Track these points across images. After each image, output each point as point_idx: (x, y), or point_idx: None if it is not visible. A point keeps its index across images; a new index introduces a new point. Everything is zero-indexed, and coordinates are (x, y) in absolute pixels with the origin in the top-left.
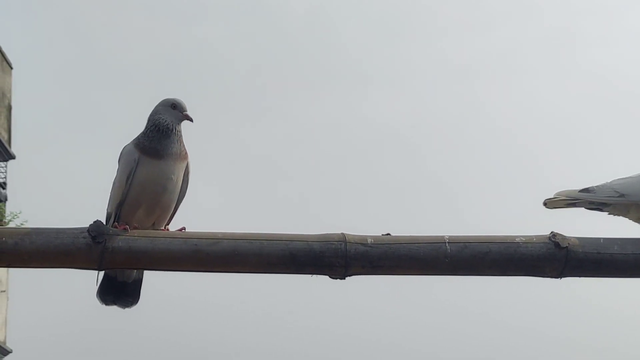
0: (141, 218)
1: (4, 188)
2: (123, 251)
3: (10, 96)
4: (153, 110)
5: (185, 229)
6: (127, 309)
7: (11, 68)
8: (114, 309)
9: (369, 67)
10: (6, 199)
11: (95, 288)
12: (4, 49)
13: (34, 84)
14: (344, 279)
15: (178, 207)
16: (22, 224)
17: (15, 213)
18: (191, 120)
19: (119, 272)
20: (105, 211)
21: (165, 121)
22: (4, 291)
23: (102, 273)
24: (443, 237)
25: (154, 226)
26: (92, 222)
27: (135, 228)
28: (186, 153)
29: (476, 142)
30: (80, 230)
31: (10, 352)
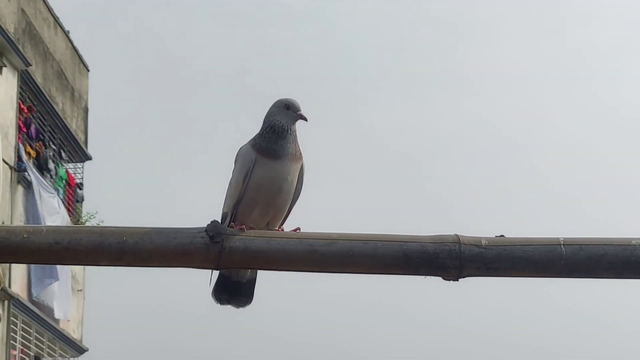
0: (256, 218)
1: (80, 189)
2: (240, 251)
3: (87, 98)
4: (268, 112)
5: (300, 230)
6: (240, 309)
7: (88, 70)
8: (228, 308)
9: (445, 68)
10: (83, 200)
11: (210, 287)
12: (81, 52)
13: (109, 86)
14: (457, 280)
15: (292, 207)
16: (98, 224)
17: (91, 213)
18: (305, 119)
19: (233, 271)
20: (221, 211)
21: (280, 122)
22: (80, 290)
23: (215, 273)
24: (558, 238)
25: (268, 226)
26: (209, 222)
27: (251, 228)
28: (301, 154)
29: (586, 143)
30: (198, 230)
31: (87, 351)
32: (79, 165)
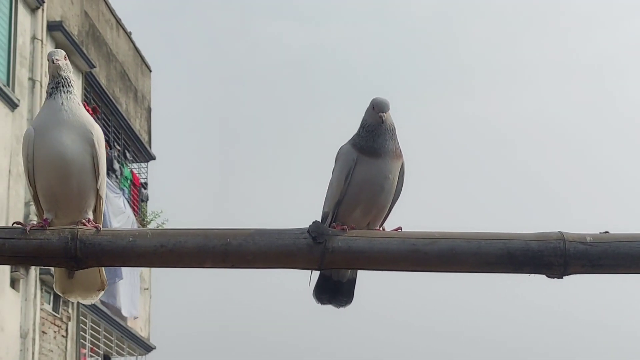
0: (358, 218)
1: (145, 188)
2: (343, 251)
3: (150, 98)
4: (365, 111)
5: (401, 229)
6: (341, 308)
7: (150, 71)
8: (329, 307)
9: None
10: (147, 199)
11: (310, 287)
12: (143, 53)
13: (171, 86)
14: (562, 278)
15: (393, 206)
16: (162, 224)
17: (156, 212)
18: (381, 121)
19: (334, 271)
20: (322, 210)
21: (367, 121)
22: (147, 289)
23: (315, 273)
24: None
25: (368, 226)
26: (312, 223)
27: (353, 228)
28: (401, 152)
29: None
30: (301, 231)
31: (154, 349)
32: (143, 165)
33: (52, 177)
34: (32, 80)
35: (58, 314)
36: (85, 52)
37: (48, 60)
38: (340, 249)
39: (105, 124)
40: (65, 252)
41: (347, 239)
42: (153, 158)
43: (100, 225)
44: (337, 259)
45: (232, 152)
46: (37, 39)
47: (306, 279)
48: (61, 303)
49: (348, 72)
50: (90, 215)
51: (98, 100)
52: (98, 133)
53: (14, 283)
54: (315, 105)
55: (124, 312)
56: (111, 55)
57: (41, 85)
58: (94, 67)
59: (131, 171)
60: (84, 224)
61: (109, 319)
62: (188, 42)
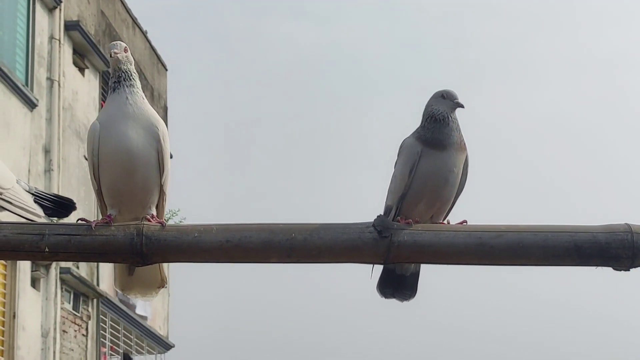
0: (422, 211)
1: None
2: (408, 245)
3: (166, 97)
4: (426, 104)
5: (467, 222)
6: (405, 302)
7: (166, 70)
8: (393, 301)
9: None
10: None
11: (371, 281)
12: (159, 52)
13: (187, 84)
14: (629, 270)
15: (457, 199)
16: (180, 221)
17: (174, 211)
18: (462, 106)
19: (397, 265)
20: (384, 204)
21: (439, 110)
22: (165, 287)
23: (377, 266)
24: None
25: (432, 219)
26: (376, 217)
27: (417, 222)
28: (465, 143)
29: None
30: (366, 225)
31: (173, 347)
32: None
33: (117, 171)
34: (50, 79)
35: (78, 313)
36: (102, 51)
37: (107, 53)
38: (406, 243)
39: None
40: (131, 248)
41: (412, 232)
42: (171, 156)
43: (165, 221)
44: (402, 253)
45: (246, 150)
46: (55, 38)
47: (359, 274)
48: (81, 302)
49: (360, 70)
50: (154, 211)
51: None
52: (163, 127)
53: (34, 282)
54: (329, 103)
55: (139, 310)
56: None
57: (59, 85)
58: None
59: None
60: (149, 220)
61: (129, 318)
62: (202, 41)
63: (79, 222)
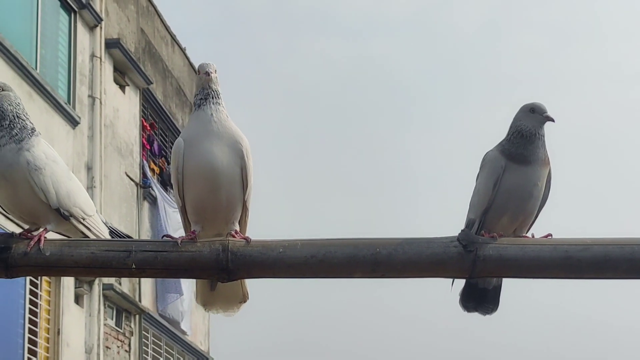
0: (505, 225)
1: None
2: (494, 259)
3: None
4: (514, 117)
5: (551, 236)
6: (487, 316)
7: None
8: (475, 315)
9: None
10: None
11: (451, 294)
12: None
13: (228, 101)
14: None
15: (539, 213)
16: None
17: None
18: (552, 120)
19: (480, 279)
20: (466, 217)
21: (527, 126)
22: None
23: (458, 280)
24: None
25: (514, 233)
26: (460, 231)
27: (501, 236)
28: (548, 158)
29: None
30: (450, 239)
31: None
32: None
33: (201, 188)
34: (91, 97)
35: (121, 329)
36: (142, 68)
37: (200, 72)
38: (491, 257)
39: (162, 139)
40: (217, 264)
41: (497, 246)
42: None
43: (250, 237)
44: (488, 267)
45: (281, 166)
46: (96, 56)
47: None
48: (123, 318)
49: (394, 85)
50: (237, 227)
51: (155, 117)
52: (247, 145)
53: (78, 299)
54: (362, 117)
55: (183, 327)
56: (167, 71)
57: (100, 103)
58: (151, 83)
59: None
60: (233, 236)
61: (170, 334)
62: (238, 58)
63: (164, 238)
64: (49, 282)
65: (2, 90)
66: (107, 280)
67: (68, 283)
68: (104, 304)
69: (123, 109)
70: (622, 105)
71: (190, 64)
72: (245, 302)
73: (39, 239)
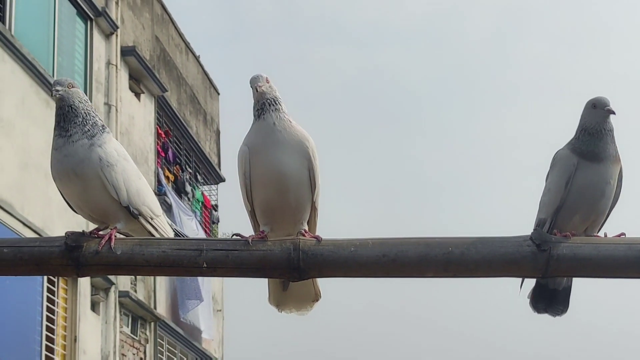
0: (576, 224)
1: (216, 210)
2: (568, 259)
3: (218, 121)
4: (581, 115)
5: (625, 235)
6: (557, 317)
7: (218, 94)
8: (545, 317)
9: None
10: (218, 221)
11: (519, 295)
12: (211, 76)
13: (237, 108)
14: None
15: (611, 212)
16: None
17: (227, 234)
18: (613, 112)
19: (550, 280)
20: (536, 217)
21: (590, 123)
22: (220, 310)
23: (528, 281)
24: None
25: (586, 232)
26: (533, 230)
27: (573, 235)
28: (619, 155)
29: None
30: (523, 238)
31: None
32: (214, 187)
33: (270, 192)
34: (107, 104)
35: (136, 336)
36: (157, 76)
37: (252, 87)
38: (565, 257)
39: (177, 147)
40: (288, 263)
41: (571, 245)
42: (223, 180)
43: (321, 236)
44: (561, 267)
45: None
46: (112, 64)
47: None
48: (139, 325)
49: (403, 93)
50: (306, 227)
51: (170, 124)
52: (313, 146)
53: (94, 306)
54: (371, 124)
55: (205, 334)
56: (181, 78)
57: (116, 110)
58: (166, 90)
59: (202, 193)
60: (303, 235)
61: (185, 341)
62: (247, 66)
63: (234, 237)
64: (66, 289)
65: (72, 87)
66: (122, 287)
67: (84, 290)
68: (120, 311)
69: (138, 117)
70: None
71: (204, 72)
72: (317, 301)
73: (110, 238)
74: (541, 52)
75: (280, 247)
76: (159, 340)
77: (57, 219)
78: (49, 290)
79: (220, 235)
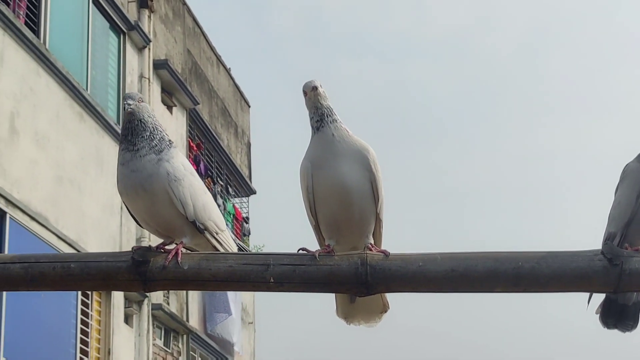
0: None
1: (247, 222)
2: None
3: (249, 134)
4: None
5: None
6: (627, 333)
7: (249, 106)
8: (614, 332)
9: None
10: (249, 233)
11: (588, 310)
12: (242, 89)
13: (267, 120)
14: None
15: None
16: None
17: (258, 247)
18: None
19: (620, 295)
20: (605, 231)
21: None
22: (251, 323)
23: (597, 296)
24: None
25: None
26: (604, 244)
27: None
28: None
29: None
30: (594, 252)
31: None
32: (245, 199)
33: (335, 206)
34: None
35: (169, 349)
36: (189, 89)
37: (307, 91)
38: (637, 271)
39: (208, 159)
40: (356, 277)
41: None
42: (254, 192)
43: (389, 251)
44: (634, 282)
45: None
46: (144, 77)
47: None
48: (171, 338)
49: (429, 106)
50: (371, 240)
51: (201, 137)
52: (373, 156)
53: (127, 319)
54: (399, 139)
55: (237, 348)
56: (212, 91)
57: None
58: (198, 103)
59: (233, 206)
60: (370, 249)
61: (217, 353)
62: (275, 79)
63: (300, 251)
64: (99, 302)
65: (142, 101)
66: (155, 299)
67: (118, 302)
68: (153, 324)
69: (170, 130)
70: None
71: (235, 85)
72: (386, 312)
73: (177, 253)
74: (570, 66)
75: (348, 262)
76: (191, 352)
77: (91, 231)
78: (83, 303)
79: (251, 249)
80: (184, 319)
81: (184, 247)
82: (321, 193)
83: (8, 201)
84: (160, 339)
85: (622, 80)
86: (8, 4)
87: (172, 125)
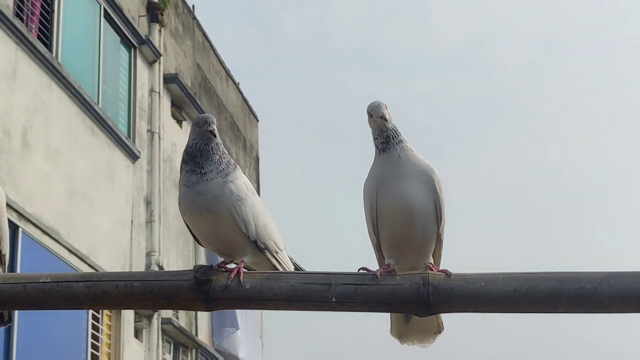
0: None
1: None
2: None
3: (258, 148)
4: None
5: None
6: None
7: (257, 121)
8: None
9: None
10: None
11: None
12: (250, 103)
13: (275, 135)
14: None
15: None
16: None
17: None
18: None
19: None
20: None
21: None
22: (260, 337)
23: None
24: None
25: None
26: None
27: None
28: None
29: None
30: None
31: None
32: None
33: (397, 224)
34: (150, 132)
35: None
36: (198, 103)
37: (373, 115)
38: None
39: None
40: (418, 297)
41: None
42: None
43: (450, 271)
44: None
45: (333, 198)
46: (155, 91)
47: None
48: (180, 352)
49: (435, 121)
50: (431, 260)
51: None
52: (438, 177)
53: (137, 333)
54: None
55: None
56: (222, 105)
57: (159, 137)
58: None
59: None
60: (431, 269)
61: None
62: (282, 93)
63: (361, 271)
64: (110, 317)
65: (214, 124)
66: (165, 314)
67: (128, 317)
68: (162, 338)
69: (180, 144)
70: None
71: (244, 99)
72: (440, 332)
73: (239, 272)
74: (576, 82)
75: (410, 282)
76: None
77: (102, 246)
78: (94, 317)
79: None
80: (193, 333)
81: (244, 267)
82: (385, 211)
83: (21, 215)
84: (170, 353)
85: (630, 98)
86: (22, 19)
87: (182, 139)
